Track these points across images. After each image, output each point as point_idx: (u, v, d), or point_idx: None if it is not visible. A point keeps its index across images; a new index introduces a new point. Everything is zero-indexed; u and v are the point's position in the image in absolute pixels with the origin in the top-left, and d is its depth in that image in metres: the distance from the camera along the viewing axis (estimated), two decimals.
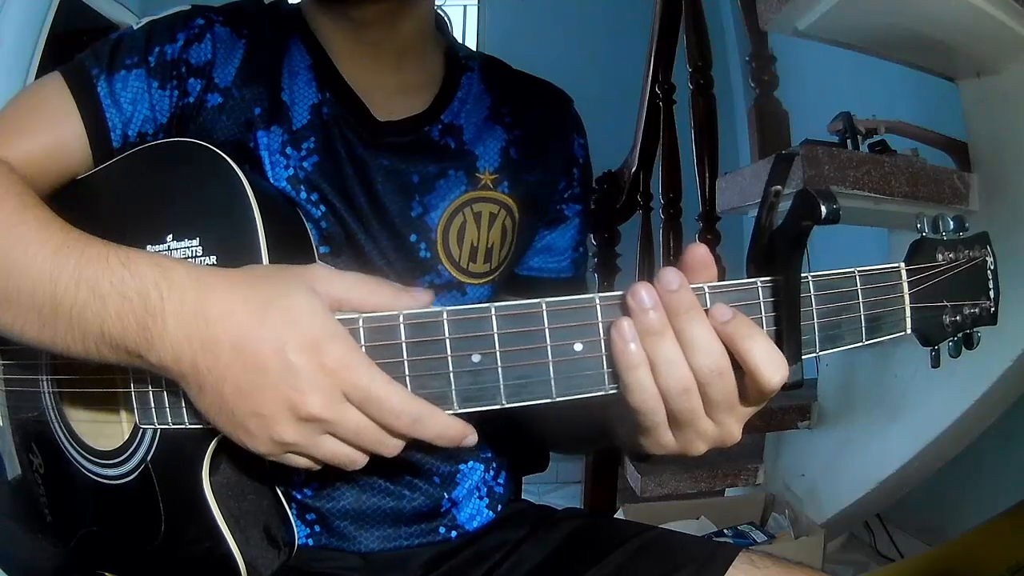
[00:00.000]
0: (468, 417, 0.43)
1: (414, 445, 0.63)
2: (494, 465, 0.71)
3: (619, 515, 1.70)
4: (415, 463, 0.65)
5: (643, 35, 1.99)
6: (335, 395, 0.40)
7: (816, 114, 1.72)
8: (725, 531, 1.64)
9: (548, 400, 0.41)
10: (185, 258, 0.49)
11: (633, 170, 1.93)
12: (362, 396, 0.40)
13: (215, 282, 0.41)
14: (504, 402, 0.41)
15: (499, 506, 0.70)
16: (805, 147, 1.32)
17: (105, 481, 0.55)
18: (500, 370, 0.41)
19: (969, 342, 0.48)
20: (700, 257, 0.41)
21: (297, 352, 0.39)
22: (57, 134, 0.56)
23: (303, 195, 0.60)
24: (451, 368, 0.41)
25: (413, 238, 0.63)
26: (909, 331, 0.46)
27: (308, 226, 0.58)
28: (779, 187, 0.41)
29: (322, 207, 0.60)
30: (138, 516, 0.53)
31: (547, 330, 0.41)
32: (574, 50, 3.31)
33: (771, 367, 0.39)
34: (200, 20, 0.61)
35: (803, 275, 0.42)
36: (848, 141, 1.56)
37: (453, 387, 0.41)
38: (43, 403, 0.58)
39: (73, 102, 0.57)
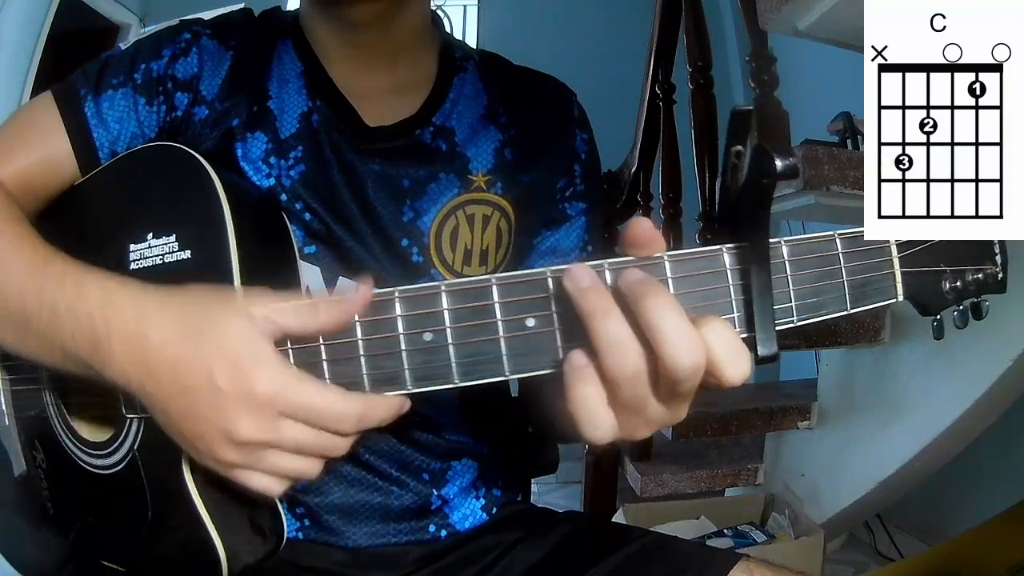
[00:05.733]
0: (471, 410, 0.42)
1: (405, 441, 0.63)
2: (492, 465, 0.70)
3: (619, 515, 1.70)
4: (405, 459, 0.64)
5: (643, 35, 1.99)
6: (268, 417, 0.40)
7: (816, 114, 1.72)
8: (725, 531, 1.64)
9: (501, 378, 0.40)
10: (163, 253, 0.50)
11: (633, 170, 1.93)
12: (304, 414, 0.40)
13: (155, 308, 0.42)
14: (457, 380, 0.41)
15: (495, 508, 0.69)
16: (805, 147, 1.33)
17: (97, 471, 0.56)
18: (451, 348, 0.40)
19: (978, 311, 0.43)
20: (646, 232, 0.39)
21: (224, 378, 0.39)
22: (47, 153, 0.59)
23: (286, 202, 0.60)
24: (403, 347, 0.41)
25: (405, 243, 0.62)
26: (901, 298, 0.42)
27: (293, 228, 0.59)
28: (739, 147, 0.38)
29: (307, 214, 0.61)
30: (128, 504, 0.53)
31: (497, 305, 0.40)
32: (574, 50, 3.31)
33: (729, 358, 0.36)
34: (186, 35, 0.62)
35: (775, 240, 0.40)
36: (848, 141, 1.56)
37: (406, 366, 0.41)
38: (44, 398, 0.59)
39: (62, 123, 0.59)
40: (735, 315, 0.39)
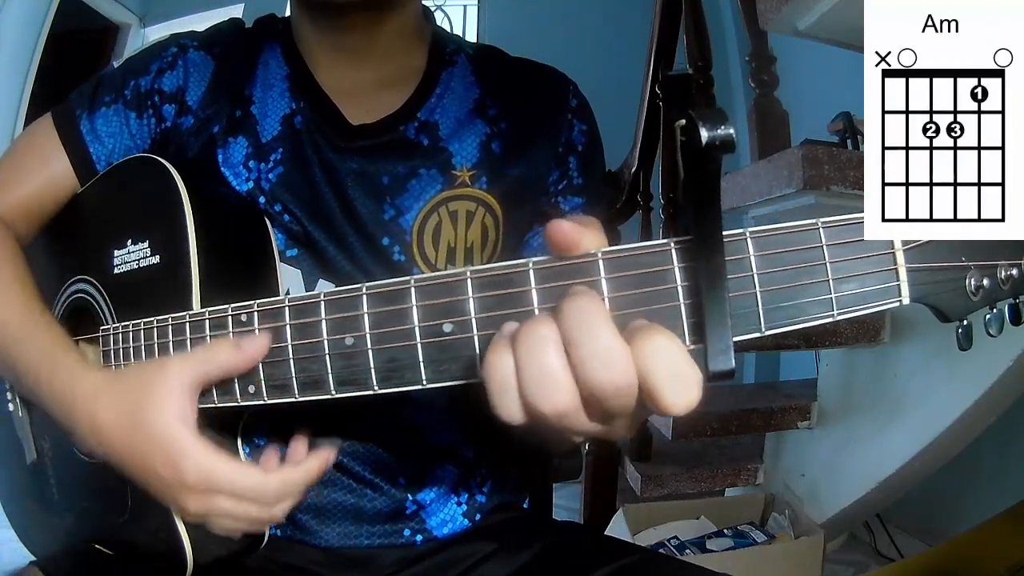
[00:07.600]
0: (467, 409, 0.41)
1: (382, 444, 0.63)
2: (480, 470, 0.67)
3: (619, 515, 1.70)
4: (380, 461, 0.63)
5: (643, 35, 2.00)
6: (203, 496, 0.46)
7: (816, 114, 1.72)
8: (725, 531, 1.64)
9: (419, 387, 0.38)
10: (139, 258, 0.55)
11: (633, 170, 1.93)
12: (228, 491, 0.46)
13: (105, 401, 0.48)
14: (376, 387, 0.39)
15: (478, 515, 0.67)
16: (805, 147, 1.33)
17: (89, 459, 0.57)
18: (370, 353, 0.39)
19: (1017, 315, 0.36)
20: (566, 234, 0.34)
21: (163, 469, 0.46)
22: (49, 172, 0.63)
23: (264, 205, 0.61)
24: (327, 351, 0.40)
25: (386, 241, 0.61)
26: (907, 301, 0.34)
27: (274, 231, 0.60)
28: (683, 121, 0.32)
29: (285, 216, 0.61)
30: (112, 492, 0.55)
31: (414, 308, 0.38)
32: (574, 50, 3.31)
33: (675, 389, 0.30)
34: (173, 49, 0.64)
35: (738, 231, 0.34)
36: (848, 141, 1.56)
37: (329, 370, 0.41)
38: None
39: (60, 142, 0.63)
40: (684, 322, 0.34)
